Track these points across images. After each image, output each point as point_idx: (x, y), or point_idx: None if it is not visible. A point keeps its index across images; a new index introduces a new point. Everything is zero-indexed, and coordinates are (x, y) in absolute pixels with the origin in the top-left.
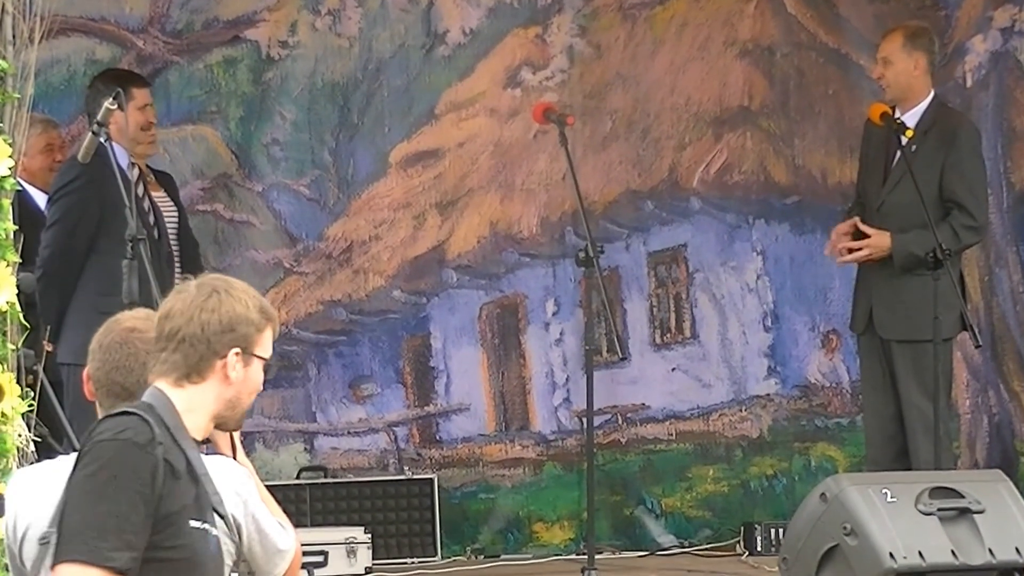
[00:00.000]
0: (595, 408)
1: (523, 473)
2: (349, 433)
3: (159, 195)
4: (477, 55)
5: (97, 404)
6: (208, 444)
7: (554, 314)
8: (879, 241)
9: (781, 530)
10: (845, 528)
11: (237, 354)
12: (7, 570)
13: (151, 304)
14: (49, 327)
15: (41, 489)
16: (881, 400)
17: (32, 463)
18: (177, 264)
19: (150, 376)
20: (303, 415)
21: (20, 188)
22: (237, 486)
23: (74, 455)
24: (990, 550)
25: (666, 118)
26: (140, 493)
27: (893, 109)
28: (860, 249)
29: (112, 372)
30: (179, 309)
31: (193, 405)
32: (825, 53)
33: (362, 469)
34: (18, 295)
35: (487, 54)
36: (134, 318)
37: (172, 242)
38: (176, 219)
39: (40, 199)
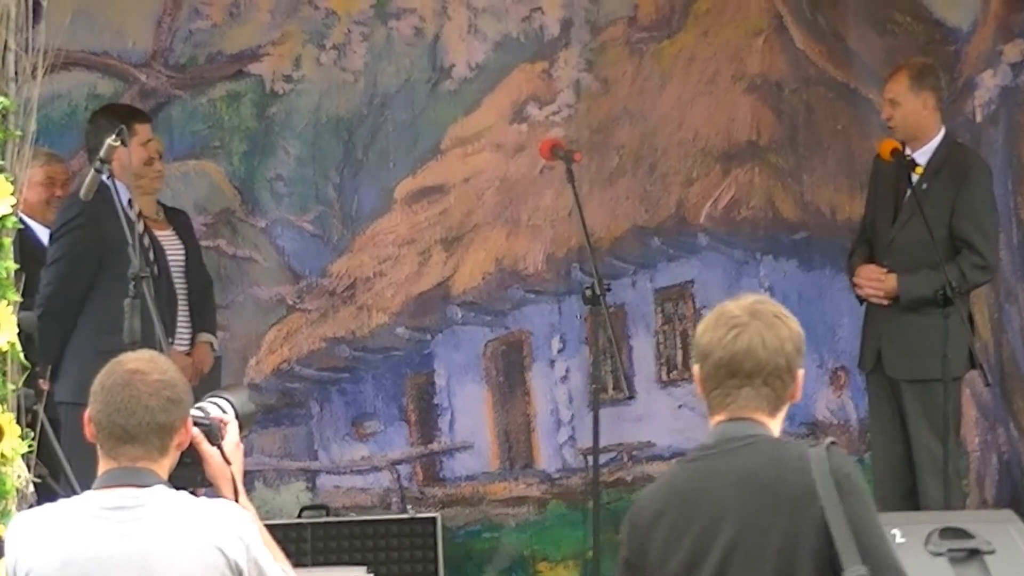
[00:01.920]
0: (601, 446)
1: (527, 512)
2: (352, 471)
3: (164, 233)
4: (483, 90)
5: (98, 447)
6: (210, 488)
7: (560, 351)
8: (885, 284)
9: None
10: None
11: (804, 370)
12: None
13: (153, 344)
14: (49, 366)
15: (43, 533)
16: (889, 439)
17: (32, 505)
18: (183, 303)
19: (726, 413)
20: (305, 453)
21: (22, 226)
22: (240, 530)
23: (76, 497)
24: None
25: (673, 153)
26: None
27: (903, 145)
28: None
29: (114, 414)
30: (757, 344)
31: (779, 428)
32: (834, 88)
33: (364, 508)
34: (19, 334)
35: (493, 89)
36: (137, 359)
37: (179, 281)
38: (183, 257)
39: (38, 232)
